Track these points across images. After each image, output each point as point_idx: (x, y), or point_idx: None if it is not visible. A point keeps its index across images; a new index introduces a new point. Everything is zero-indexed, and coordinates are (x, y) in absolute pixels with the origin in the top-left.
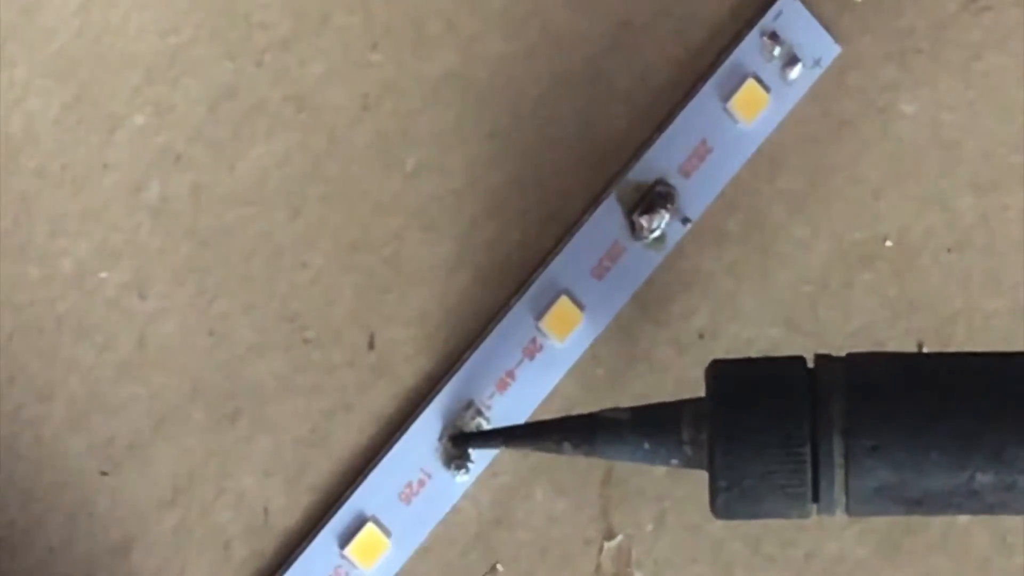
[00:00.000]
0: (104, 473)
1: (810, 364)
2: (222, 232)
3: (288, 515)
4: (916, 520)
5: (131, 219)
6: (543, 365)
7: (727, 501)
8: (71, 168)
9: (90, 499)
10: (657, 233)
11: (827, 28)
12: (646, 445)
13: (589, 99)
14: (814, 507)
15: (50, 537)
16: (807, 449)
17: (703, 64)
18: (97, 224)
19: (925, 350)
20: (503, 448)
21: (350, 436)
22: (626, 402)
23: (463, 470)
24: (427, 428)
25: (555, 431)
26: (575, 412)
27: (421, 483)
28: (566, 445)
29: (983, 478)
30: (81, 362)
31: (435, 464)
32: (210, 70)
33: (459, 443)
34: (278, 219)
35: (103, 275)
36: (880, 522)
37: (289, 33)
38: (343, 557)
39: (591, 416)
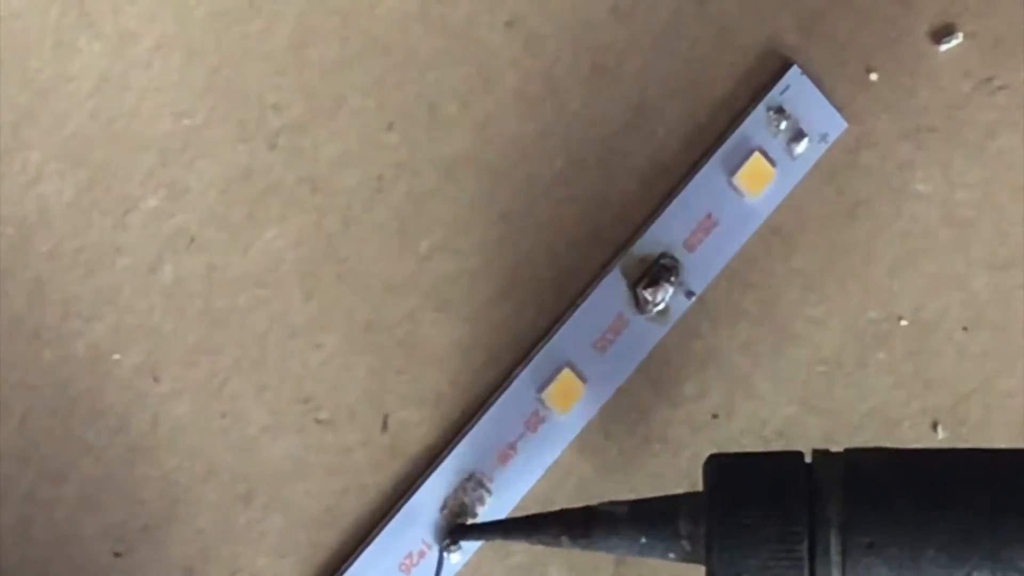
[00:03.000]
0: (117, 555)
1: (808, 459)
2: (235, 313)
3: None
4: None
5: (144, 301)
6: (545, 437)
7: None
8: (84, 251)
9: None
10: (661, 306)
11: (842, 106)
12: (643, 539)
13: (603, 178)
14: None
15: None
16: (804, 546)
17: (712, 139)
18: (110, 306)
19: (940, 429)
20: (502, 540)
21: (364, 516)
22: (641, 482)
23: (455, 548)
24: (430, 499)
25: (552, 524)
26: (591, 492)
27: (421, 554)
28: (564, 539)
29: None
30: (94, 444)
31: (436, 536)
32: (224, 152)
33: (457, 535)
34: (292, 300)
35: (116, 357)
36: None
37: (303, 115)
38: None
39: (588, 509)
